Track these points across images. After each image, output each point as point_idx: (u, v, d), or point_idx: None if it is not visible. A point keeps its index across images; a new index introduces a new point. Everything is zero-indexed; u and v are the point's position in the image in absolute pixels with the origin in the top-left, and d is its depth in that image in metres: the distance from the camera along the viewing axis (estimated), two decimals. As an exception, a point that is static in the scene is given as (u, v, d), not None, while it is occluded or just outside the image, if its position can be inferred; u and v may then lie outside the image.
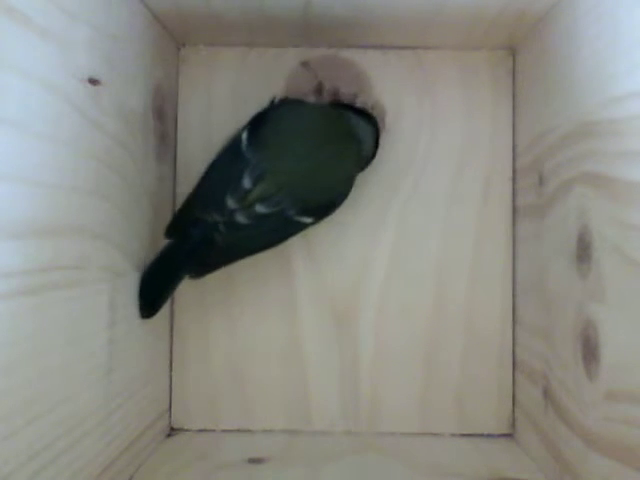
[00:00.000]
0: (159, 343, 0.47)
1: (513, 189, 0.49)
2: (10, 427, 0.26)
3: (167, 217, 0.47)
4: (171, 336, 0.49)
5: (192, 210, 0.42)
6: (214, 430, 0.48)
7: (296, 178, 0.42)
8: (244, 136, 0.42)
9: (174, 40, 0.48)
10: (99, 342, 0.35)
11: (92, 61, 0.33)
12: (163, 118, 0.46)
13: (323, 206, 0.44)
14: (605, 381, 0.32)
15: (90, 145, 0.33)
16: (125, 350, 0.39)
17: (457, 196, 0.49)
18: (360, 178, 0.48)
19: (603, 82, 0.33)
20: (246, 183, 0.41)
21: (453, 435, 0.48)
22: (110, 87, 0.36)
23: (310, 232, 0.48)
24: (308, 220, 0.43)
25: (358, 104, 0.49)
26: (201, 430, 0.48)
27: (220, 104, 0.49)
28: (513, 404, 0.48)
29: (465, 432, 0.48)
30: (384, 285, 0.49)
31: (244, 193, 0.41)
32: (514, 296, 0.48)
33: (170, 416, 0.48)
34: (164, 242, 0.44)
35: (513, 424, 0.48)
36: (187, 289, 0.49)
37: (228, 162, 0.42)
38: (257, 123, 0.43)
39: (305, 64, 0.49)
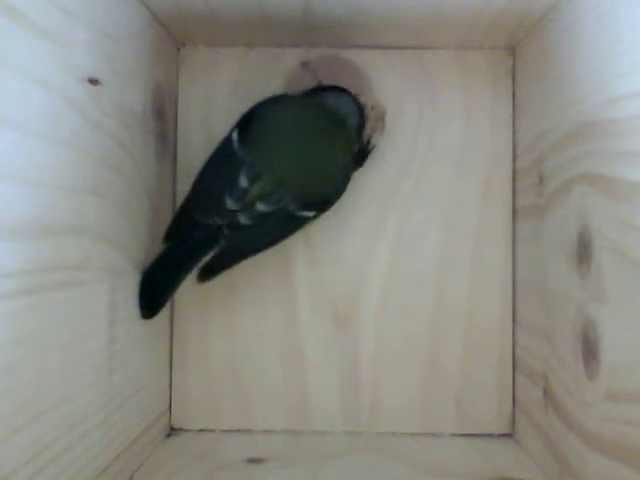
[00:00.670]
0: (159, 343, 0.47)
1: (513, 189, 0.49)
2: (10, 427, 0.26)
3: (167, 217, 0.47)
4: (171, 336, 0.49)
5: (191, 214, 0.42)
6: (214, 430, 0.48)
7: (293, 173, 0.42)
8: (234, 136, 0.42)
9: (174, 40, 0.48)
10: (99, 342, 0.35)
11: (92, 61, 0.33)
12: (163, 118, 0.46)
13: (324, 197, 0.44)
14: (605, 381, 0.32)
15: (90, 145, 0.33)
16: (125, 350, 0.39)
17: (457, 196, 0.49)
18: (360, 178, 0.48)
19: (603, 82, 0.33)
20: (243, 182, 0.41)
21: (453, 435, 0.48)
22: (110, 87, 0.36)
23: (310, 232, 0.48)
24: (310, 214, 0.43)
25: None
26: (201, 430, 0.48)
27: (220, 104, 0.49)
28: (513, 404, 0.48)
29: (465, 432, 0.48)
30: (384, 285, 0.49)
31: (242, 193, 0.41)
32: (514, 296, 0.48)
33: (170, 416, 0.48)
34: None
35: (513, 424, 0.48)
36: (187, 289, 0.48)
37: (222, 163, 0.42)
38: (246, 122, 0.43)
39: (305, 64, 0.49)
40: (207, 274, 0.43)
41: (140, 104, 0.41)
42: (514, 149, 0.49)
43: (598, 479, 0.33)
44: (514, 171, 0.49)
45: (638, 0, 0.29)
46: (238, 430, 0.48)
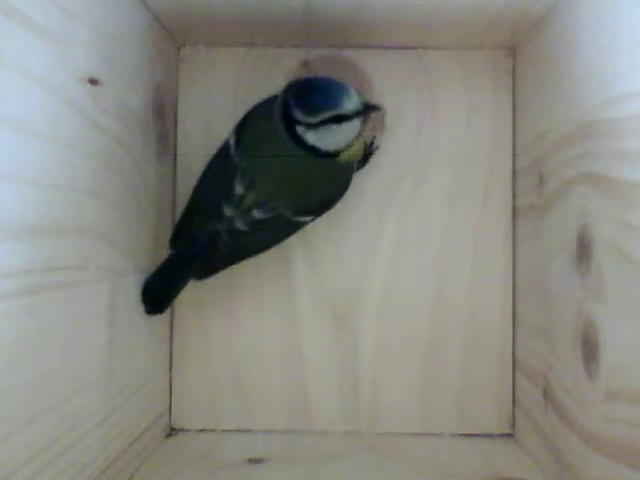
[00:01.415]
0: (159, 343, 0.47)
1: (513, 189, 0.49)
2: (10, 427, 0.26)
3: (167, 217, 0.47)
4: (171, 336, 0.49)
5: (192, 219, 0.42)
6: (214, 430, 0.48)
7: (287, 182, 0.41)
8: (232, 140, 0.42)
9: (174, 40, 0.48)
10: (99, 342, 0.35)
11: (92, 61, 0.33)
12: (163, 118, 0.46)
13: (324, 201, 0.43)
14: (605, 381, 0.32)
15: (90, 145, 0.33)
16: (125, 350, 0.39)
17: (457, 196, 0.49)
18: (361, 178, 0.48)
19: (603, 82, 0.33)
20: (238, 189, 0.41)
21: (453, 435, 0.48)
22: (110, 87, 0.36)
23: (310, 232, 0.48)
24: (307, 219, 0.43)
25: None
26: (201, 430, 0.48)
27: (220, 104, 0.49)
28: (513, 404, 0.48)
29: (465, 432, 0.48)
30: (384, 285, 0.49)
31: (238, 200, 0.41)
32: (514, 296, 0.48)
33: (170, 416, 0.48)
34: (164, 242, 0.44)
35: (513, 424, 0.48)
36: (187, 289, 0.48)
37: (220, 168, 0.42)
38: (241, 126, 0.42)
39: (305, 64, 0.49)
40: (204, 274, 0.43)
41: (140, 104, 0.41)
42: (514, 149, 0.49)
43: (598, 479, 0.33)
44: (514, 171, 0.49)
45: (638, 0, 0.29)
46: (238, 430, 0.48)
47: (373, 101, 0.49)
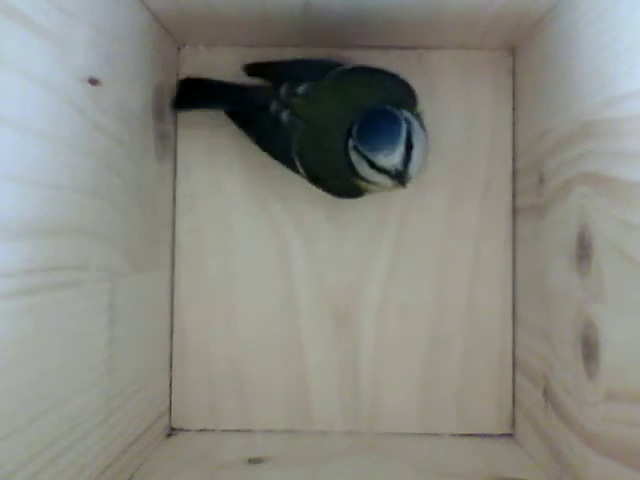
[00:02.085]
0: (159, 343, 0.47)
1: (513, 189, 0.49)
2: (10, 427, 0.26)
3: (167, 217, 0.47)
4: (171, 336, 0.49)
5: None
6: (214, 430, 0.48)
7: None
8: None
9: (174, 40, 0.48)
10: (99, 342, 0.35)
11: (92, 61, 0.33)
12: (163, 118, 0.46)
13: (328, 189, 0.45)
14: (605, 381, 0.32)
15: (90, 145, 0.33)
16: (125, 350, 0.39)
17: (457, 196, 0.49)
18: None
19: (603, 82, 0.33)
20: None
21: (453, 435, 0.48)
22: (110, 87, 0.36)
23: (310, 232, 0.48)
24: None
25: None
26: (201, 430, 0.48)
27: (220, 104, 0.49)
28: (513, 404, 0.48)
29: (465, 432, 0.48)
30: (384, 285, 0.49)
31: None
32: (514, 296, 0.48)
33: (170, 416, 0.48)
34: (163, 242, 0.44)
35: (513, 424, 0.48)
36: (187, 289, 0.49)
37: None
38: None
39: (305, 64, 0.49)
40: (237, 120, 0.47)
41: (140, 104, 0.41)
42: (514, 149, 0.49)
43: (598, 479, 0.33)
44: (514, 171, 0.49)
45: (638, 0, 0.29)
46: (238, 430, 0.48)
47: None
